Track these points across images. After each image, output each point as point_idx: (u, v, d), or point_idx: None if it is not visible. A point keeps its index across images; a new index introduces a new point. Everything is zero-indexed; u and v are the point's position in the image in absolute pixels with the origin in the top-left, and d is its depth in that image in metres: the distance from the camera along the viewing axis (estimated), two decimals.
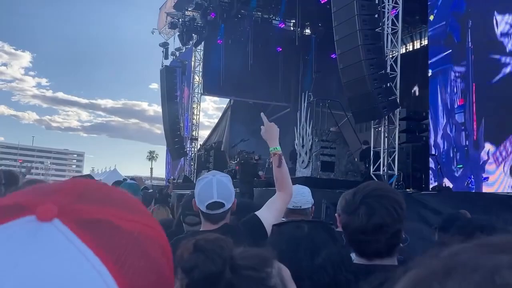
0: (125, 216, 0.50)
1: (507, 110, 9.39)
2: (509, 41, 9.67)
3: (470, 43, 10.72)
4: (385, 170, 11.27)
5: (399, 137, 11.59)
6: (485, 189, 9.69)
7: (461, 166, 10.40)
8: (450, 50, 11.29)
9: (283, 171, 2.53)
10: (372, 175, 10.95)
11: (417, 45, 20.62)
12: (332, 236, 1.93)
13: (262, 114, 2.71)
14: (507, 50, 9.67)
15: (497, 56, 9.92)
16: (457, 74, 10.97)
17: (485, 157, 9.85)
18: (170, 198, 11.16)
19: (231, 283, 1.15)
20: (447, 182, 10.49)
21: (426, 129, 12.09)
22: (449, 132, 10.98)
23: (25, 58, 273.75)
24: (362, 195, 1.63)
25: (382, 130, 11.59)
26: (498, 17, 9.94)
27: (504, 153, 9.43)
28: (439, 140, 11.18)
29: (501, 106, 9.62)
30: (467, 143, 10.36)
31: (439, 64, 11.62)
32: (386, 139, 11.49)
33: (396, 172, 11.16)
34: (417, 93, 18.31)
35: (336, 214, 2.80)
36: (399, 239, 1.62)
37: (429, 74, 11.93)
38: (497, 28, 9.95)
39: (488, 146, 9.80)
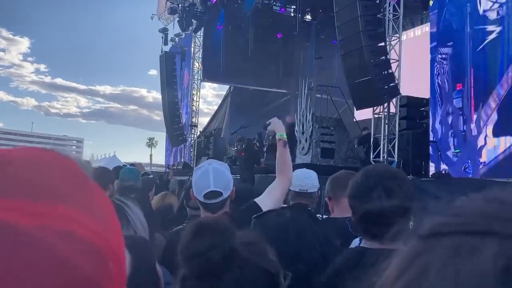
0: (22, 208, 0.41)
1: (490, 75, 9.46)
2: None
3: (468, 27, 10.68)
4: (385, 157, 11.28)
5: (399, 124, 11.58)
6: (481, 175, 9.73)
7: (458, 151, 10.43)
8: (450, 35, 11.23)
9: (286, 155, 2.56)
10: (372, 162, 10.96)
11: (418, 31, 20.48)
12: (313, 218, 1.93)
13: (267, 123, 2.80)
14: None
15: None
16: (455, 59, 10.94)
17: (482, 142, 9.86)
18: (170, 185, 11.17)
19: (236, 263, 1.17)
20: (445, 168, 10.53)
21: (426, 116, 12.07)
22: (447, 117, 10.97)
23: (24, 43, 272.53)
24: (376, 177, 1.61)
25: (383, 116, 11.57)
26: None
27: (484, 117, 9.47)
28: (437, 126, 11.19)
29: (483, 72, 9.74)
30: (464, 128, 10.39)
31: (438, 48, 11.56)
32: (386, 125, 11.48)
33: (396, 159, 11.17)
34: (418, 80, 18.23)
35: (326, 199, 2.80)
36: (410, 220, 1.60)
37: (429, 58, 11.86)
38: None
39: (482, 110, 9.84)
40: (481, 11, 10.22)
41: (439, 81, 11.38)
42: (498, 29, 9.79)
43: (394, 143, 11.33)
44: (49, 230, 0.40)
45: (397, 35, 11.92)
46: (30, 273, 0.38)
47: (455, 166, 10.38)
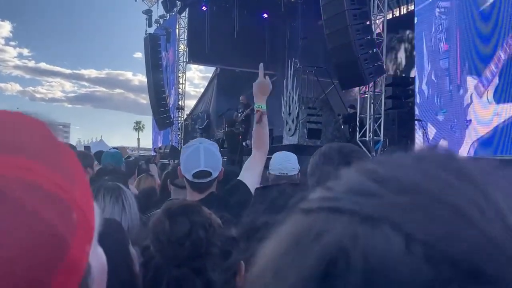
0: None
1: (485, 35, 9.47)
2: None
3: None
4: (371, 136, 11.34)
5: (385, 103, 11.62)
6: (468, 133, 9.84)
7: (445, 111, 10.50)
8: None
9: (262, 129, 2.49)
10: (358, 142, 11.01)
11: (403, 10, 20.43)
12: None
13: (261, 65, 2.67)
14: None
15: None
16: (441, 21, 10.86)
17: (468, 101, 9.93)
18: (151, 167, 11.12)
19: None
20: (430, 129, 10.57)
21: (412, 95, 12.11)
22: (433, 78, 10.97)
23: (5, 27, 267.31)
24: (337, 155, 1.60)
25: (368, 96, 11.60)
26: None
27: (485, 82, 9.46)
28: (424, 87, 11.20)
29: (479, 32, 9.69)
30: (451, 88, 10.41)
31: (424, 11, 11.46)
32: (372, 105, 11.51)
33: (382, 138, 11.23)
34: (403, 59, 18.27)
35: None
36: None
37: (415, 21, 11.75)
38: None
39: (471, 81, 9.86)
40: None
41: (425, 42, 11.25)
42: None
43: (380, 122, 11.38)
44: (10, 179, 0.40)
45: (382, 14, 11.88)
46: None
47: (441, 125, 10.44)
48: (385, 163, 0.32)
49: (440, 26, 10.91)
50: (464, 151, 9.70)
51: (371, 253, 0.26)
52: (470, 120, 9.85)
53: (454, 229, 0.26)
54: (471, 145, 9.76)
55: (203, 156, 2.20)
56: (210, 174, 2.20)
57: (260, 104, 2.50)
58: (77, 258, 0.42)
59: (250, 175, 2.39)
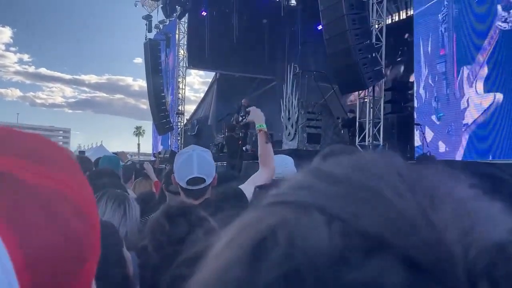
0: (30, 168, 0.45)
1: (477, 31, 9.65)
2: None
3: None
4: (370, 141, 11.35)
5: (384, 107, 11.63)
6: (464, 132, 9.93)
7: (442, 114, 10.59)
8: (433, 1, 11.22)
9: (268, 148, 2.56)
10: (358, 146, 11.02)
11: (403, 15, 20.49)
12: None
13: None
14: None
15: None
16: (438, 25, 10.98)
17: (465, 105, 10.04)
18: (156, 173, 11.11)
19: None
20: (428, 133, 10.60)
21: (411, 99, 12.13)
22: (430, 82, 11.07)
23: (6, 33, 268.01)
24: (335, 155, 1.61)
25: (368, 101, 11.61)
26: None
27: (475, 72, 9.63)
28: (421, 91, 11.26)
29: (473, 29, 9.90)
30: (447, 92, 10.53)
31: (422, 15, 11.54)
32: (371, 109, 11.52)
33: (381, 142, 11.24)
34: (402, 64, 18.29)
35: None
36: None
37: (414, 25, 11.81)
38: None
39: (465, 71, 10.00)
40: None
41: (422, 47, 11.34)
42: None
43: (379, 126, 11.38)
44: (50, 189, 0.45)
45: (381, 19, 11.91)
46: (30, 223, 0.43)
47: (439, 128, 10.52)
48: (328, 163, 0.36)
49: (438, 31, 10.99)
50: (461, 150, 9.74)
51: (296, 232, 0.29)
52: (467, 124, 9.91)
53: (370, 207, 0.29)
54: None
55: (196, 163, 2.22)
56: (203, 180, 2.23)
57: (260, 124, 2.58)
58: (90, 270, 0.48)
59: (251, 185, 2.41)
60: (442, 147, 10.34)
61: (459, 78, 10.23)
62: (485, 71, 9.58)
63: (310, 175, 0.34)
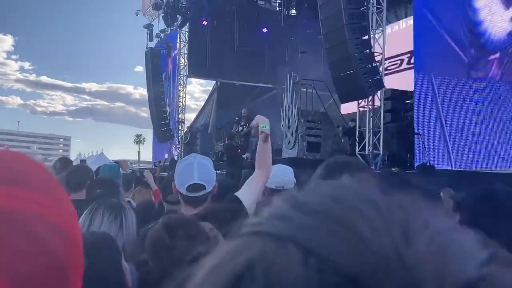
0: (6, 192, 0.46)
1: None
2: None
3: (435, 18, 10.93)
4: (371, 150, 11.35)
5: (384, 116, 11.65)
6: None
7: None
8: (429, 22, 11.38)
9: (267, 148, 2.53)
10: (358, 155, 11.02)
11: (402, 24, 20.57)
12: None
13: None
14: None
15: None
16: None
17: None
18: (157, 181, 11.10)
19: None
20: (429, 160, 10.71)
21: (411, 109, 12.14)
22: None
23: (7, 41, 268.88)
24: (339, 167, 1.62)
25: (367, 110, 11.63)
26: None
27: None
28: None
29: None
30: None
31: (420, 25, 11.67)
32: (371, 118, 11.54)
33: (381, 152, 11.24)
34: (402, 73, 18.33)
35: None
36: None
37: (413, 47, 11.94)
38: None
39: None
40: None
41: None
42: None
43: (379, 136, 11.39)
44: (27, 212, 0.46)
45: (381, 28, 11.97)
46: (10, 248, 0.43)
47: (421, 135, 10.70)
48: (305, 191, 0.35)
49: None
50: None
51: (273, 267, 0.29)
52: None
53: (345, 244, 0.29)
54: None
55: (197, 169, 2.22)
56: (203, 187, 2.21)
57: (264, 125, 2.54)
58: (74, 285, 0.48)
59: (248, 192, 2.40)
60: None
61: None
62: None
63: (287, 203, 0.33)
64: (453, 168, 10.20)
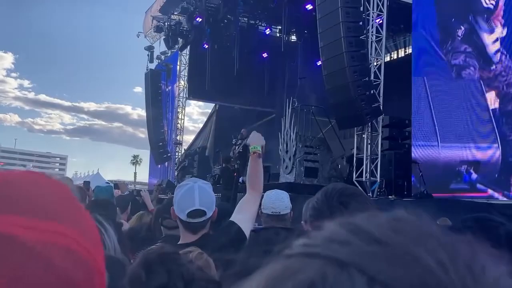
0: (27, 224, 0.45)
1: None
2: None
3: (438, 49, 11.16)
4: (368, 177, 11.33)
5: (381, 144, 11.67)
6: None
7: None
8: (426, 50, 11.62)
9: (259, 168, 2.48)
10: (355, 182, 11.00)
11: (401, 53, 20.84)
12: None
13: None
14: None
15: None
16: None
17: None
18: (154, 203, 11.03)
19: None
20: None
21: (408, 137, 12.18)
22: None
23: (7, 59, 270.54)
24: (337, 195, 1.62)
25: (365, 137, 11.66)
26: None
27: None
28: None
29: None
30: None
31: (418, 65, 11.89)
32: (369, 145, 11.56)
33: (378, 179, 11.23)
34: (400, 101, 18.46)
35: (302, 222, 2.77)
36: None
37: (412, 63, 12.12)
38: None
39: None
40: None
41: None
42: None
43: (377, 163, 11.40)
44: (49, 244, 0.45)
45: (380, 56, 12.10)
46: (32, 282, 0.43)
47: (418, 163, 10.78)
48: (360, 219, 0.35)
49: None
50: None
51: None
52: None
53: (411, 274, 0.29)
54: None
55: (198, 195, 2.17)
56: (204, 213, 2.17)
57: (255, 145, 2.50)
58: None
59: (243, 217, 2.35)
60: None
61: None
62: None
63: (345, 229, 0.33)
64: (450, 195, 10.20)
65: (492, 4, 9.94)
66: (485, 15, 10.09)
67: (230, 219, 2.37)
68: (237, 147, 13.93)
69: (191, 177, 2.69)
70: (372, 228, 0.33)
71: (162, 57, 23.55)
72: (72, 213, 0.50)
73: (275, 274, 0.32)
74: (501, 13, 9.78)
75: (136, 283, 1.20)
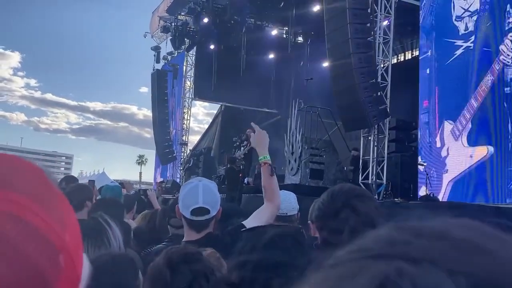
0: (33, 208, 0.43)
1: (458, 90, 10.34)
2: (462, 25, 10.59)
3: (434, 51, 11.32)
4: (374, 179, 11.28)
5: (388, 146, 11.62)
6: (445, 177, 10.48)
7: (424, 161, 11.03)
8: (425, 55, 11.74)
9: (273, 181, 2.45)
10: (361, 184, 10.95)
11: (408, 55, 20.76)
12: (298, 241, 1.87)
13: (252, 123, 2.65)
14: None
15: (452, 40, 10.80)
16: (424, 78, 11.66)
17: (445, 154, 10.62)
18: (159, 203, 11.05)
19: None
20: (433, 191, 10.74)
21: (415, 139, 12.13)
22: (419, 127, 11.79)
23: (14, 58, 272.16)
24: (343, 196, 1.60)
25: (372, 139, 11.61)
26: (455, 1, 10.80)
27: (460, 127, 10.25)
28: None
29: (454, 86, 10.58)
30: (430, 141, 11.13)
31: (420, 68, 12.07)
32: (375, 148, 11.51)
33: (384, 181, 11.18)
34: (407, 103, 18.39)
35: (309, 222, 2.73)
36: None
37: (419, 66, 12.24)
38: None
39: (448, 125, 10.63)
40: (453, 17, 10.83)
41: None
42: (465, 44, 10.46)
43: (383, 165, 11.35)
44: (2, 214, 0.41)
45: (387, 58, 12.05)
46: None
47: (422, 174, 10.92)
48: (410, 224, 0.34)
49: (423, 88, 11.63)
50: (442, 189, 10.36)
51: (421, 282, 0.28)
52: (447, 170, 10.45)
53: (487, 261, 0.29)
54: (447, 185, 10.39)
55: (202, 193, 2.18)
56: (208, 211, 2.17)
57: (264, 155, 2.46)
58: None
59: (255, 221, 2.34)
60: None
61: (440, 129, 10.87)
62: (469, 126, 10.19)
63: (395, 231, 0.32)
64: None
65: None
66: None
67: (241, 223, 2.35)
68: (242, 148, 13.91)
69: (197, 176, 2.68)
70: (426, 226, 0.32)
71: (169, 57, 23.60)
72: (42, 192, 0.47)
73: (330, 282, 0.30)
74: None
75: (160, 282, 1.18)
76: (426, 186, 10.28)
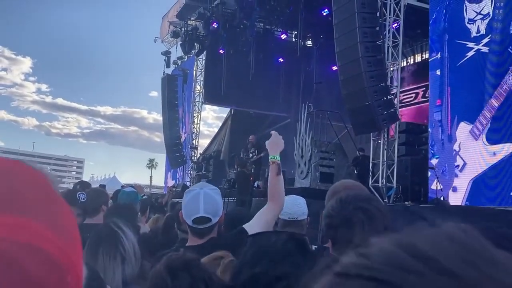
0: (3, 220, 0.41)
1: (471, 90, 10.55)
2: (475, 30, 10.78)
3: (446, 52, 11.39)
4: (384, 183, 11.25)
5: (398, 149, 11.59)
6: (460, 174, 10.70)
7: (437, 157, 11.28)
8: (436, 57, 11.80)
9: (280, 181, 2.49)
10: (371, 187, 10.93)
11: (418, 58, 20.67)
12: (302, 247, 1.89)
13: (273, 132, 2.71)
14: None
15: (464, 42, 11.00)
16: (435, 79, 11.79)
17: (457, 149, 10.84)
18: (167, 207, 11.11)
19: None
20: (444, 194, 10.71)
21: (425, 142, 12.09)
22: (429, 129, 11.88)
23: (26, 63, 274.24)
24: (353, 201, 1.61)
25: (382, 142, 11.59)
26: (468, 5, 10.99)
27: (480, 127, 10.38)
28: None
29: (466, 86, 10.79)
30: (442, 137, 11.30)
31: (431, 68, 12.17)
32: (385, 151, 11.48)
33: (394, 185, 11.14)
34: (417, 106, 18.33)
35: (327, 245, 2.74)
36: None
37: (429, 69, 12.32)
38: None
39: (465, 126, 10.78)
40: (466, 20, 10.99)
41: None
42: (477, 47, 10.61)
43: (393, 169, 11.31)
44: (13, 242, 0.40)
45: (397, 62, 12.03)
46: None
47: (434, 170, 11.04)
48: (419, 239, 0.34)
49: (436, 80, 11.66)
50: (462, 188, 10.49)
51: None
52: (458, 166, 10.65)
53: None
54: (468, 183, 10.51)
55: (203, 202, 2.22)
56: (209, 220, 2.22)
57: (274, 155, 2.52)
58: None
59: (257, 223, 2.38)
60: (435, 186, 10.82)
61: (452, 126, 11.08)
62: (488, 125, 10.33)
63: (404, 252, 0.32)
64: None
65: None
66: None
67: (242, 226, 2.39)
68: (251, 155, 13.95)
69: (206, 181, 2.70)
70: (435, 254, 0.32)
71: (179, 62, 23.75)
72: (46, 208, 0.46)
73: None
74: None
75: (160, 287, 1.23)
76: (436, 189, 10.28)
